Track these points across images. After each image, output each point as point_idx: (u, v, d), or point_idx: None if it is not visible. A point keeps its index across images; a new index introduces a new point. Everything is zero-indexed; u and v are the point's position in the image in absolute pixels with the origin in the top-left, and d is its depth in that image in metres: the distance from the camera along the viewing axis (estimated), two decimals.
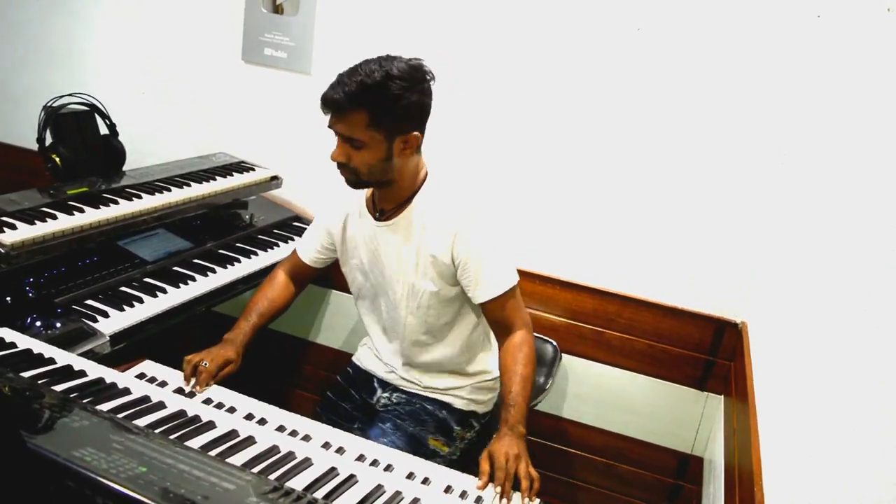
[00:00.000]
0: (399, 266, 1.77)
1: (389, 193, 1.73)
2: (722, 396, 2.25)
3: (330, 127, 1.62)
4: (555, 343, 2.24)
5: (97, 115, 2.30)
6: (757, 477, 1.42)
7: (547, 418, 2.47)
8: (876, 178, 1.29)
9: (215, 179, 2.36)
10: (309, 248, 1.95)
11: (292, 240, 2.40)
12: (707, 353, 2.25)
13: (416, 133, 1.64)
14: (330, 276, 2.50)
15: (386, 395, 1.95)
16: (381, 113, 1.57)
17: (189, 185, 2.26)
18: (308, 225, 2.49)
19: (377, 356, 1.98)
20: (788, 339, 1.62)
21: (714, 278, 2.20)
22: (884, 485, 0.87)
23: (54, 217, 1.85)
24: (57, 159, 2.15)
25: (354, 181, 1.68)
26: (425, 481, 1.40)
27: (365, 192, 1.81)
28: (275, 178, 2.57)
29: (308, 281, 2.03)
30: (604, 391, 2.39)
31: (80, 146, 2.24)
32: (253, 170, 2.54)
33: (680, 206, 2.17)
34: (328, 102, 1.58)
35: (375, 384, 1.98)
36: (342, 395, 2.01)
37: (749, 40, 1.98)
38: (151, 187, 2.18)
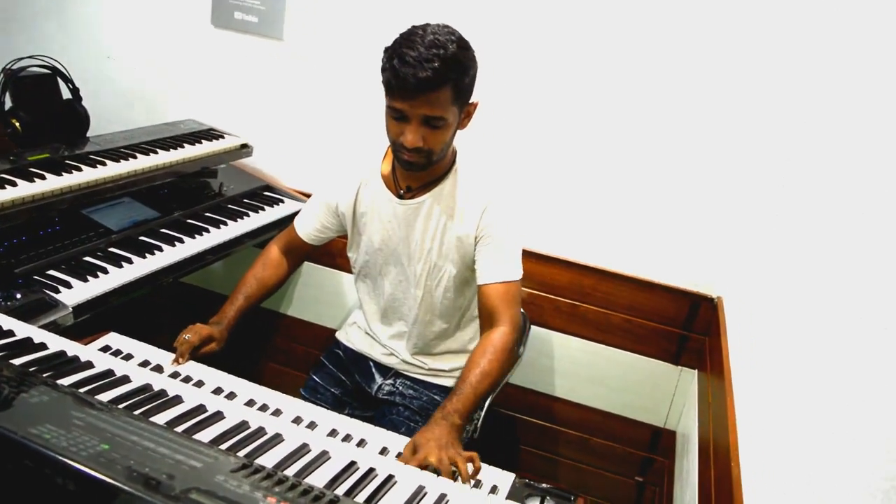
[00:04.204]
0: (423, 245, 1.72)
1: (423, 172, 1.64)
2: (696, 371, 2.25)
3: (399, 109, 1.50)
4: (522, 310, 2.21)
5: (59, 80, 2.22)
6: (733, 452, 1.41)
7: (521, 392, 2.46)
8: (856, 154, 1.28)
9: (183, 147, 2.30)
10: (308, 225, 1.88)
11: (263, 210, 2.35)
12: (682, 327, 2.25)
13: (476, 101, 1.60)
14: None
15: (389, 381, 1.90)
16: (461, 86, 1.51)
17: (156, 153, 2.19)
18: (282, 195, 2.48)
19: (373, 338, 1.93)
20: (765, 315, 1.61)
21: (690, 253, 2.19)
22: (863, 461, 0.86)
23: (14, 184, 1.78)
24: (17, 124, 2.08)
25: (424, 164, 1.58)
26: (399, 456, 1.37)
27: (380, 167, 1.74)
28: (245, 146, 2.51)
29: (304, 258, 1.98)
30: (578, 365, 2.39)
31: (42, 111, 2.16)
32: (223, 137, 2.47)
33: (657, 181, 2.15)
34: (417, 83, 1.44)
35: (373, 369, 1.93)
36: (331, 379, 1.95)
37: (734, 15, 1.95)
38: (117, 154, 2.11)
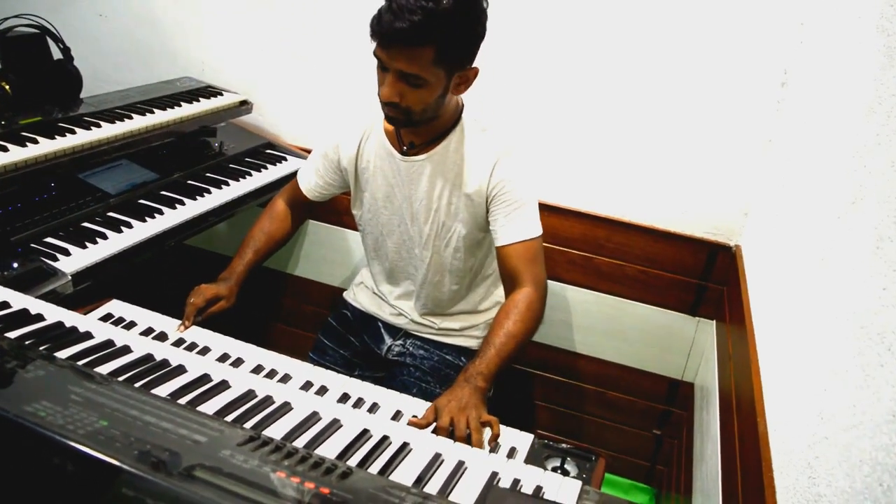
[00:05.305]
0: (429, 204, 1.65)
1: (424, 128, 1.58)
2: (714, 322, 2.19)
3: (379, 57, 1.42)
4: None
5: (49, 39, 2.14)
6: (759, 405, 1.36)
7: (535, 347, 2.41)
8: (877, 100, 1.20)
9: (181, 105, 2.22)
10: (310, 181, 1.83)
11: (265, 168, 2.28)
12: (699, 277, 2.19)
13: (475, 67, 1.49)
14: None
15: (399, 342, 1.86)
16: (448, 48, 1.39)
17: (152, 112, 2.12)
18: (284, 153, 2.42)
19: (381, 298, 1.88)
20: (786, 262, 1.54)
21: (707, 201, 2.11)
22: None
23: (5, 149, 1.72)
24: (7, 87, 2.00)
25: (403, 121, 1.51)
26: (418, 419, 1.34)
27: (383, 122, 1.67)
28: (245, 102, 2.43)
29: (310, 211, 1.95)
30: (593, 318, 2.33)
31: (32, 72, 2.08)
32: (221, 94, 2.39)
33: (672, 127, 2.06)
34: (393, 34, 1.34)
35: (382, 330, 1.89)
36: (339, 341, 1.92)
37: None
38: (111, 115, 2.03)
